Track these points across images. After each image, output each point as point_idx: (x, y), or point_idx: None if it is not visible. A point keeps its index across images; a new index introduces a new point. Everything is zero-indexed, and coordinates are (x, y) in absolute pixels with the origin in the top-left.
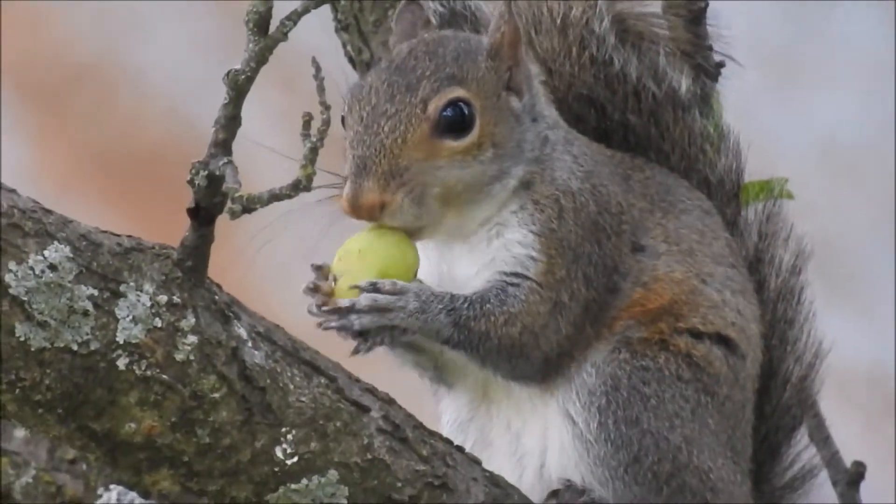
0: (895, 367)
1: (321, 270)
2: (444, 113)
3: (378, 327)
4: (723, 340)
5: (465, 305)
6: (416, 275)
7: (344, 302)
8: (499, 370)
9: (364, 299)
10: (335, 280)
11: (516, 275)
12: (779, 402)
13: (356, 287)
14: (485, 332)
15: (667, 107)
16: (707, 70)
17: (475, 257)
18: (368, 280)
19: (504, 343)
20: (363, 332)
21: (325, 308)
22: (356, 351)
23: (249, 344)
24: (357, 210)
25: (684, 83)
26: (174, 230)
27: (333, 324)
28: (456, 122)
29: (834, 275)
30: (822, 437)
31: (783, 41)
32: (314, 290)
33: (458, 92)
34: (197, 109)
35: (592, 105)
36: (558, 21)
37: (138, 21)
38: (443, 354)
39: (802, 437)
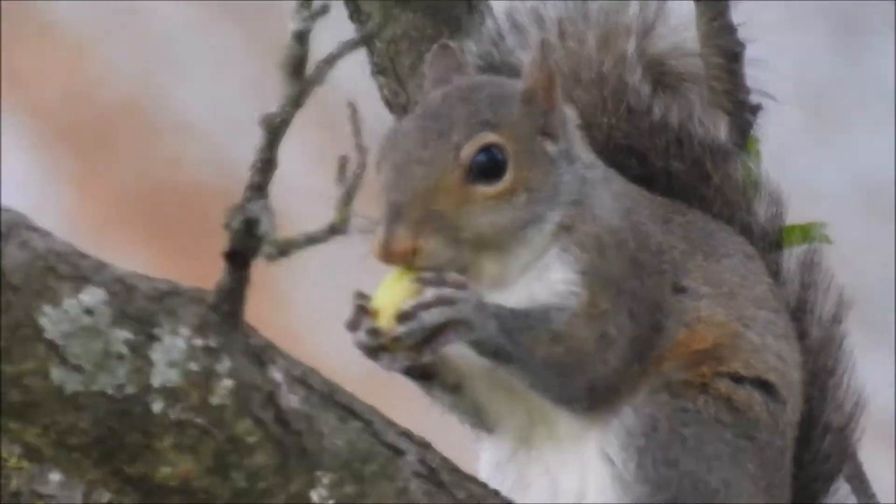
0: None
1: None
2: (477, 159)
3: (447, 321)
4: (763, 385)
5: (510, 315)
6: None
7: (409, 302)
8: (548, 391)
9: (431, 292)
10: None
11: (558, 305)
12: (818, 451)
13: (420, 279)
14: (530, 346)
15: (707, 153)
16: (744, 115)
17: (517, 302)
18: (432, 272)
19: (550, 361)
20: (431, 334)
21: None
22: (423, 353)
23: (285, 388)
24: (390, 256)
25: (723, 130)
26: (214, 272)
27: (401, 329)
28: (489, 167)
29: (874, 319)
30: (860, 486)
31: (825, 79)
32: (358, 319)
33: (490, 137)
34: (238, 149)
35: (633, 154)
36: (593, 74)
37: (178, 58)
38: (485, 393)
39: (841, 487)
